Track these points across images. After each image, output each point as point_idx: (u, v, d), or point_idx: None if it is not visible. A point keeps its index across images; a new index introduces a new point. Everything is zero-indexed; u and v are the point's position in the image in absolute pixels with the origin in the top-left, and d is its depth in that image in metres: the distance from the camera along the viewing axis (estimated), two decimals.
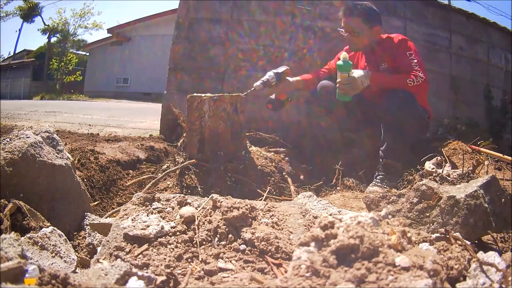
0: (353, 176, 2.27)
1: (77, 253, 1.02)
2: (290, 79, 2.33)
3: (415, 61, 2.14)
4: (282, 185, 1.96)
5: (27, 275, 0.60)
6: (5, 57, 25.24)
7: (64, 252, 0.95)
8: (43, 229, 0.98)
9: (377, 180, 2.10)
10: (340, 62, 2.13)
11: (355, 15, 2.25)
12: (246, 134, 2.20)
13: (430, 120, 2.36)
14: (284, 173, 2.07)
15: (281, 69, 2.27)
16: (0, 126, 3.38)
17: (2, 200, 1.00)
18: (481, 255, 0.79)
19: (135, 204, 1.09)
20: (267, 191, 1.76)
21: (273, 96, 2.32)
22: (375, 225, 0.73)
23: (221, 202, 1.04)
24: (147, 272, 0.77)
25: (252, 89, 2.17)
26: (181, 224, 0.99)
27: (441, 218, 1.09)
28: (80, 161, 1.84)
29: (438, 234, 0.90)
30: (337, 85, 2.16)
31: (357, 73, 2.14)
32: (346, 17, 2.29)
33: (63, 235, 1.01)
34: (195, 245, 0.93)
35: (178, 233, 0.96)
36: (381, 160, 2.16)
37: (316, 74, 2.51)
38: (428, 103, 2.32)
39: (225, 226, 0.98)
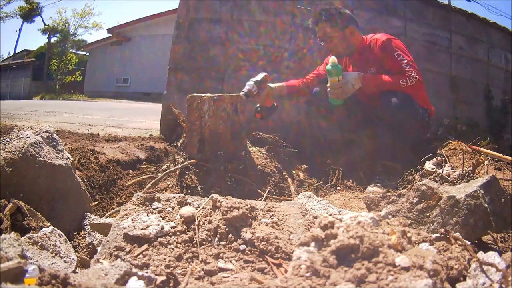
0: (353, 176, 2.27)
1: (77, 253, 1.02)
2: (272, 85, 2.32)
3: (405, 61, 2.09)
4: (282, 185, 1.96)
5: (27, 275, 0.60)
6: (5, 57, 25.28)
7: (64, 252, 0.95)
8: (43, 229, 0.98)
9: (377, 180, 2.10)
10: (328, 67, 2.12)
11: (322, 21, 2.24)
12: (246, 134, 2.20)
13: (432, 118, 2.34)
14: (284, 173, 2.07)
15: (259, 76, 2.23)
16: (0, 126, 3.37)
17: (2, 200, 1.00)
18: (481, 255, 0.79)
19: (135, 204, 1.09)
20: (267, 191, 1.76)
21: (259, 105, 2.31)
22: (375, 225, 0.73)
23: (221, 202, 1.04)
24: (147, 272, 0.77)
25: None
26: (181, 224, 0.99)
27: (441, 218, 1.09)
28: (80, 161, 1.84)
29: (438, 234, 0.90)
30: (328, 89, 2.15)
31: (348, 76, 2.13)
32: (316, 26, 2.28)
33: (63, 235, 1.01)
34: (195, 245, 0.93)
35: (178, 233, 0.96)
36: (380, 160, 2.16)
37: (303, 80, 2.50)
38: (429, 101, 2.30)
39: (225, 226, 0.98)
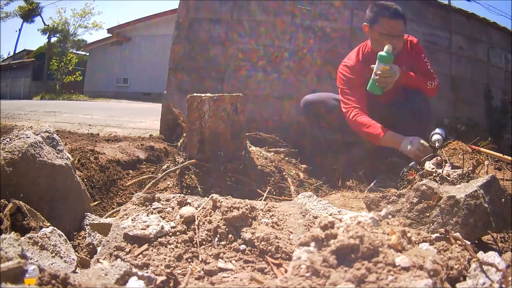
0: (353, 176, 2.27)
1: (77, 253, 1.02)
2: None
3: (429, 64, 2.21)
4: (282, 185, 1.96)
5: (27, 275, 0.60)
6: (5, 57, 25.26)
7: (64, 252, 0.95)
8: (43, 229, 0.98)
9: (379, 180, 2.10)
10: (383, 53, 2.05)
11: (400, 17, 2.15)
12: (246, 134, 2.20)
13: None
14: (284, 173, 2.06)
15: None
16: (0, 126, 3.37)
17: (2, 200, 1.00)
18: (481, 255, 0.79)
19: (135, 204, 1.09)
20: (267, 191, 1.76)
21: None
22: (375, 225, 0.73)
23: (221, 202, 1.04)
24: (147, 272, 0.77)
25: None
26: (181, 224, 0.99)
27: (441, 218, 1.09)
28: (80, 161, 1.84)
29: (438, 234, 0.90)
30: (376, 76, 2.08)
31: (395, 67, 2.10)
32: (395, 20, 2.14)
33: (63, 235, 1.01)
34: (195, 245, 0.93)
35: (178, 233, 0.96)
36: (386, 159, 2.16)
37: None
38: None
39: (225, 226, 0.98)
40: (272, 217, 1.06)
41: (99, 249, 0.98)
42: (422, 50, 2.24)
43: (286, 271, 0.81)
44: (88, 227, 1.19)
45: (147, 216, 1.02)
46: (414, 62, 2.23)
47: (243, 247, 0.93)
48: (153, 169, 2.17)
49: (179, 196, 1.11)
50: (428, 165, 1.95)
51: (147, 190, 1.64)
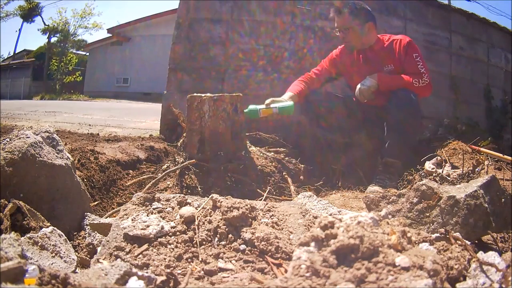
0: (353, 176, 2.27)
1: (77, 253, 1.02)
2: (284, 98, 2.34)
3: (421, 64, 2.20)
4: (282, 185, 1.96)
5: (27, 275, 0.60)
6: (5, 57, 25.24)
7: (64, 252, 0.95)
8: (43, 229, 0.98)
9: (377, 180, 2.10)
10: (253, 108, 2.20)
11: (344, 12, 2.30)
12: (246, 134, 2.20)
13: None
14: (284, 173, 2.06)
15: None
16: (0, 126, 3.37)
17: (2, 200, 1.00)
18: (481, 255, 0.79)
19: (135, 204, 1.09)
20: (267, 191, 1.76)
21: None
22: (375, 225, 0.73)
23: (221, 202, 1.04)
24: (147, 272, 0.77)
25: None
26: (181, 224, 0.99)
27: (441, 218, 1.09)
28: (80, 161, 1.83)
29: (438, 234, 0.90)
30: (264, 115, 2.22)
31: (372, 79, 2.19)
32: (337, 16, 2.34)
33: (63, 235, 1.01)
34: (195, 245, 0.93)
35: (178, 233, 0.96)
36: (381, 159, 2.17)
37: (306, 81, 2.49)
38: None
39: (225, 226, 0.98)
40: (272, 217, 1.07)
41: (99, 249, 0.98)
42: (414, 50, 2.24)
43: (286, 271, 0.81)
44: (88, 227, 1.19)
45: (147, 216, 1.02)
46: (403, 60, 2.24)
47: (243, 247, 0.93)
48: (153, 169, 2.17)
49: (179, 196, 1.11)
50: (428, 165, 1.96)
51: (147, 190, 1.64)
